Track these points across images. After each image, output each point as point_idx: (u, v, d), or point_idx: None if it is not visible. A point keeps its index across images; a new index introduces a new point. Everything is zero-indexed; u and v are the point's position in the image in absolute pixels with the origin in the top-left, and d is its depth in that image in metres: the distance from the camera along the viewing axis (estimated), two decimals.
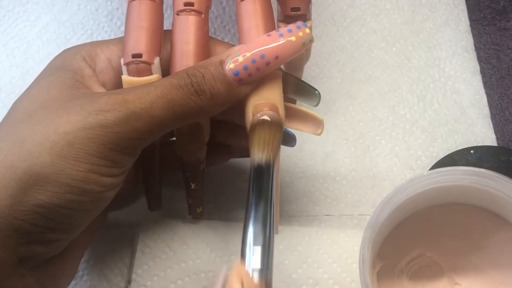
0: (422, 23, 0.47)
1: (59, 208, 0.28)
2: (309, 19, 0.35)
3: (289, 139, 0.36)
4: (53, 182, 0.27)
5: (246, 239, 0.27)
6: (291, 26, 0.31)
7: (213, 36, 0.37)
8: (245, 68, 0.30)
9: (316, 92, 0.34)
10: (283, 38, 0.30)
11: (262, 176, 0.29)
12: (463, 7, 0.47)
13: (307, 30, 0.31)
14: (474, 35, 0.46)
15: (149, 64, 0.32)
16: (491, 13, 0.46)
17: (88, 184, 0.28)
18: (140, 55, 0.32)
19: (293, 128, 0.34)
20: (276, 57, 0.30)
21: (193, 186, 0.36)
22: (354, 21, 0.47)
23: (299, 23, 0.31)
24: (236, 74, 0.30)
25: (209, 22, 0.47)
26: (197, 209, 0.38)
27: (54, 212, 0.28)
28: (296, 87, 0.35)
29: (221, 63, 0.30)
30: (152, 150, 0.35)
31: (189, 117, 0.30)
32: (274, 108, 0.31)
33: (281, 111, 0.31)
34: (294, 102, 0.38)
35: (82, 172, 0.28)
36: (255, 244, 0.27)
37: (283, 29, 0.31)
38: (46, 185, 0.27)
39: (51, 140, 0.28)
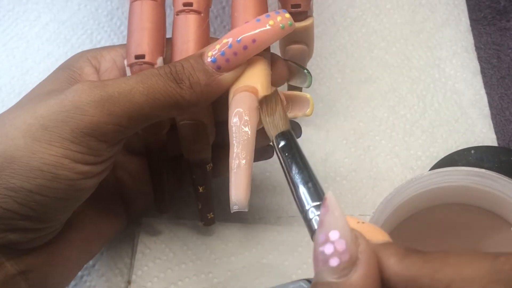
0: (422, 23, 0.47)
1: (31, 194, 0.27)
2: (310, 16, 0.35)
3: (294, 128, 0.36)
4: (25, 165, 0.27)
5: (303, 203, 0.27)
6: (270, 13, 0.31)
7: (213, 36, 0.37)
8: (222, 54, 0.30)
9: (305, 71, 0.34)
10: (260, 22, 0.30)
11: (287, 144, 0.29)
12: (463, 7, 0.47)
13: (287, 15, 0.30)
14: (474, 35, 0.46)
15: (152, 64, 0.32)
16: (492, 13, 0.46)
17: (60, 169, 0.28)
18: (143, 56, 0.32)
19: (290, 115, 0.34)
20: (254, 41, 0.30)
21: (201, 189, 0.36)
22: (354, 21, 0.47)
23: (280, 10, 0.31)
24: (214, 61, 0.30)
25: (210, 23, 0.47)
26: (208, 214, 0.38)
27: (26, 197, 0.27)
28: (283, 66, 0.34)
29: (201, 55, 0.30)
30: (159, 151, 0.35)
31: (170, 106, 0.30)
32: (253, 90, 0.30)
33: (262, 92, 0.31)
34: (300, 89, 0.38)
35: (55, 156, 0.27)
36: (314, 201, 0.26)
37: (262, 15, 0.31)
38: (19, 168, 0.27)
39: (27, 123, 0.28)
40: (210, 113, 0.34)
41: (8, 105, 0.31)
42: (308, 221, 0.26)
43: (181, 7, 0.33)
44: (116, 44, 0.47)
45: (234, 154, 0.29)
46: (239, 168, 0.29)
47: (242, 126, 0.29)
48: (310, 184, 0.27)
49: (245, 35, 0.30)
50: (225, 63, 0.30)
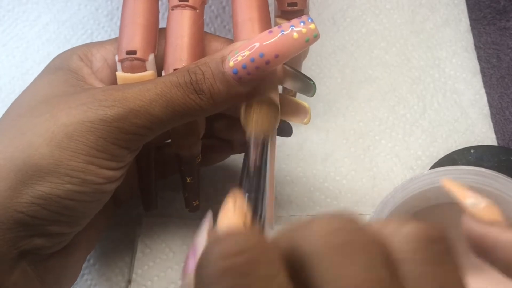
0: (422, 23, 0.47)
1: (60, 199, 0.28)
2: (307, 14, 0.35)
3: (285, 129, 0.36)
4: (53, 172, 0.27)
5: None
6: (294, 22, 0.29)
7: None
8: (244, 67, 0.29)
9: (311, 82, 0.33)
10: (284, 35, 0.29)
11: (256, 147, 0.29)
12: (463, 7, 0.47)
13: (312, 26, 0.29)
14: (474, 35, 0.46)
15: (143, 61, 0.32)
16: (491, 13, 0.46)
17: (88, 175, 0.28)
18: (134, 52, 0.32)
19: (282, 118, 0.34)
20: (276, 56, 0.29)
21: (188, 180, 0.36)
22: (354, 21, 0.47)
23: (304, 17, 0.29)
24: (235, 72, 0.29)
25: (210, 22, 0.47)
26: (193, 202, 0.37)
27: (55, 204, 0.28)
28: (291, 77, 0.34)
29: (222, 60, 0.29)
30: (148, 150, 0.35)
31: (188, 115, 0.30)
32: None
33: (276, 102, 0.31)
34: (294, 94, 0.38)
35: (81, 163, 0.28)
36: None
37: (286, 24, 0.29)
38: (46, 176, 0.27)
39: (51, 131, 0.28)
40: None
41: (9, 105, 0.31)
42: None
43: (176, 2, 0.33)
44: None
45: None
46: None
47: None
48: (252, 195, 0.27)
49: (268, 48, 0.29)
50: (246, 76, 0.29)
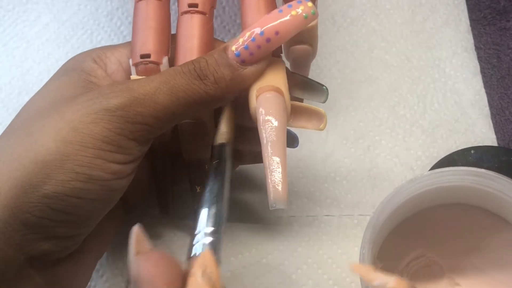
0: (422, 23, 0.47)
1: (66, 197, 0.27)
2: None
3: (291, 140, 0.36)
4: (59, 169, 0.27)
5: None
6: (292, 2, 0.30)
7: (215, 37, 0.37)
8: (246, 47, 0.29)
9: (324, 87, 0.34)
10: (282, 13, 0.30)
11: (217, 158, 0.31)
12: (463, 7, 0.47)
13: (309, 4, 0.30)
14: (474, 35, 0.46)
15: (157, 64, 0.32)
16: (491, 13, 0.46)
17: (94, 170, 0.28)
18: (148, 55, 0.32)
19: (296, 126, 0.34)
20: (277, 33, 0.29)
21: (198, 189, 0.36)
22: (354, 21, 0.47)
23: None
24: (238, 55, 0.30)
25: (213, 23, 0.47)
26: None
27: (61, 202, 0.27)
28: (303, 85, 0.34)
29: (225, 49, 0.30)
30: (163, 151, 0.35)
31: (195, 103, 0.30)
32: (279, 91, 0.30)
33: (286, 96, 0.31)
34: (301, 101, 0.38)
35: (88, 157, 0.28)
36: (208, 224, 0.28)
37: (284, 5, 0.30)
38: (52, 173, 0.27)
39: (57, 127, 0.28)
40: (211, 114, 0.34)
41: (9, 105, 0.31)
42: (191, 245, 0.27)
43: (186, 8, 0.33)
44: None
45: (269, 153, 0.29)
46: (275, 166, 0.28)
47: (274, 125, 0.29)
48: (213, 208, 0.29)
49: (268, 27, 0.29)
50: (249, 56, 0.30)
